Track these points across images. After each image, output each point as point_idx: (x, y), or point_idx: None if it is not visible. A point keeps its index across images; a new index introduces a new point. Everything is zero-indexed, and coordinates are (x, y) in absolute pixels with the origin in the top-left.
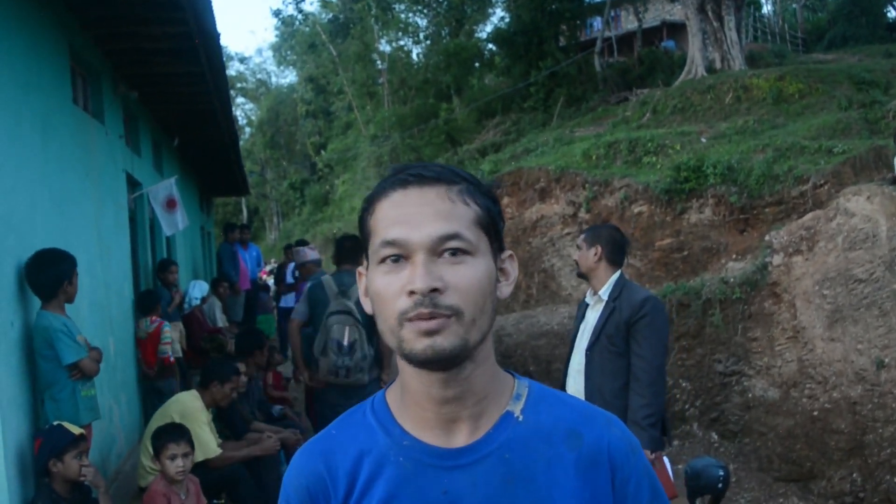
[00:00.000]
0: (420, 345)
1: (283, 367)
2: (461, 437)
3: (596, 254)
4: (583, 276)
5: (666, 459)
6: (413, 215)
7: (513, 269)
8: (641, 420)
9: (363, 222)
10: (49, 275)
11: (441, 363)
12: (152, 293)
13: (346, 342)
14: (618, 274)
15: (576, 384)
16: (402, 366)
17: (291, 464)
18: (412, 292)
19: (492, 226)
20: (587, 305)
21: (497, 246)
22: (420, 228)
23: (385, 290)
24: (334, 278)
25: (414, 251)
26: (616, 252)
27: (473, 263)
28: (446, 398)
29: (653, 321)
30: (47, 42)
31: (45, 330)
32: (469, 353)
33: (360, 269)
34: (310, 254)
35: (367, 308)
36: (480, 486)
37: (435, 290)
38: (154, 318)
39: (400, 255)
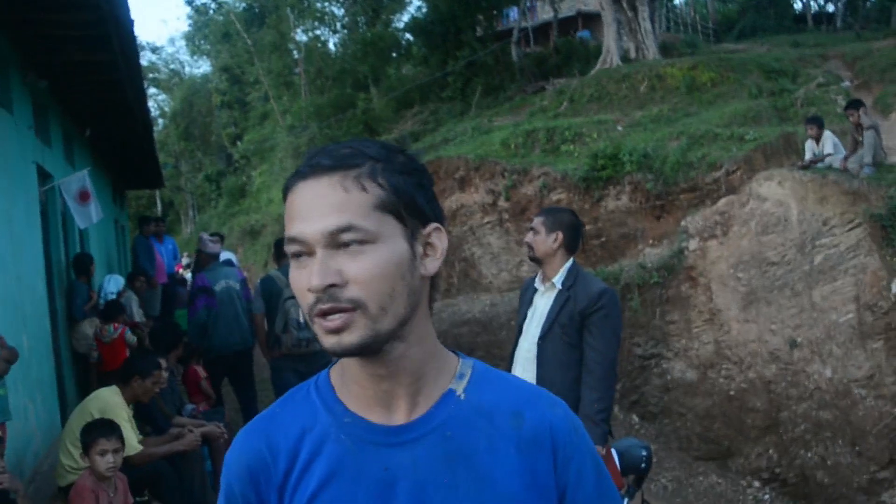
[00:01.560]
0: (328, 342)
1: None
2: (401, 415)
3: (556, 240)
4: (535, 260)
5: (614, 451)
6: (307, 209)
7: (440, 242)
8: (594, 415)
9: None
10: None
11: (352, 357)
12: (116, 303)
13: (302, 319)
14: (571, 261)
15: (525, 371)
16: None
17: (233, 443)
18: (311, 289)
19: (401, 205)
20: (535, 291)
21: (417, 221)
22: (313, 223)
23: (295, 285)
24: (281, 271)
25: (312, 246)
26: (574, 239)
27: (374, 251)
28: (379, 375)
29: (609, 314)
30: None
31: None
32: (385, 341)
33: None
34: (210, 246)
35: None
36: (421, 464)
37: (333, 285)
38: (117, 325)
39: (301, 252)
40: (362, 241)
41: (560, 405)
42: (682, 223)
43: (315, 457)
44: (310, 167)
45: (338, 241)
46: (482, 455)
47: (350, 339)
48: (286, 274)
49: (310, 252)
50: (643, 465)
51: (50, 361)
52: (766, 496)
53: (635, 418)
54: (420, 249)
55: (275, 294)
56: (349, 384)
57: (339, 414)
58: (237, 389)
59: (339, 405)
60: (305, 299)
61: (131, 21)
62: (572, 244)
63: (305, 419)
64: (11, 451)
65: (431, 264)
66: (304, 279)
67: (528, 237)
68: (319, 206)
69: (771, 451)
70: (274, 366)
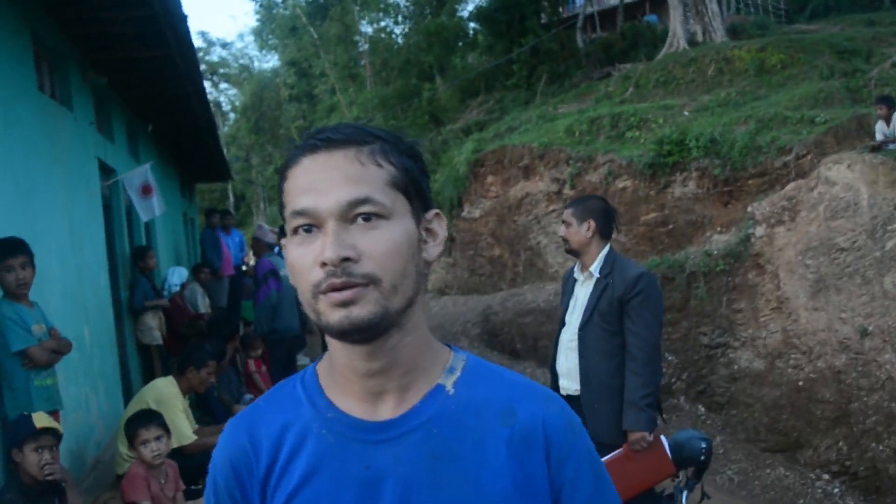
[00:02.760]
0: (335, 316)
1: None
2: (387, 410)
3: (589, 228)
4: (573, 252)
5: (663, 438)
6: (321, 182)
7: (440, 228)
8: (639, 401)
9: (279, 192)
10: None
11: (360, 334)
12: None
13: None
14: (607, 248)
15: (567, 361)
16: (328, 338)
17: (220, 437)
18: (324, 263)
19: (411, 185)
20: (575, 281)
21: (421, 205)
22: (328, 195)
23: (298, 262)
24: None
25: (324, 219)
26: (607, 225)
27: (389, 227)
28: (371, 370)
29: (647, 298)
30: (7, 27)
31: None
32: (393, 321)
33: (284, 240)
34: (269, 235)
35: (291, 280)
36: (404, 462)
37: (347, 259)
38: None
39: (311, 225)
40: (378, 216)
41: (556, 401)
42: (749, 209)
43: (296, 452)
44: (320, 141)
45: (353, 213)
46: (469, 454)
47: (360, 312)
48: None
49: (319, 226)
50: (702, 458)
51: (113, 353)
52: (836, 489)
53: (701, 409)
54: (422, 234)
55: None
56: (336, 377)
57: (322, 408)
58: (287, 373)
59: (323, 399)
60: (311, 275)
61: (184, 17)
62: (606, 230)
63: (289, 413)
64: (73, 441)
65: (433, 249)
66: (312, 253)
67: (562, 230)
68: (334, 178)
69: (841, 444)
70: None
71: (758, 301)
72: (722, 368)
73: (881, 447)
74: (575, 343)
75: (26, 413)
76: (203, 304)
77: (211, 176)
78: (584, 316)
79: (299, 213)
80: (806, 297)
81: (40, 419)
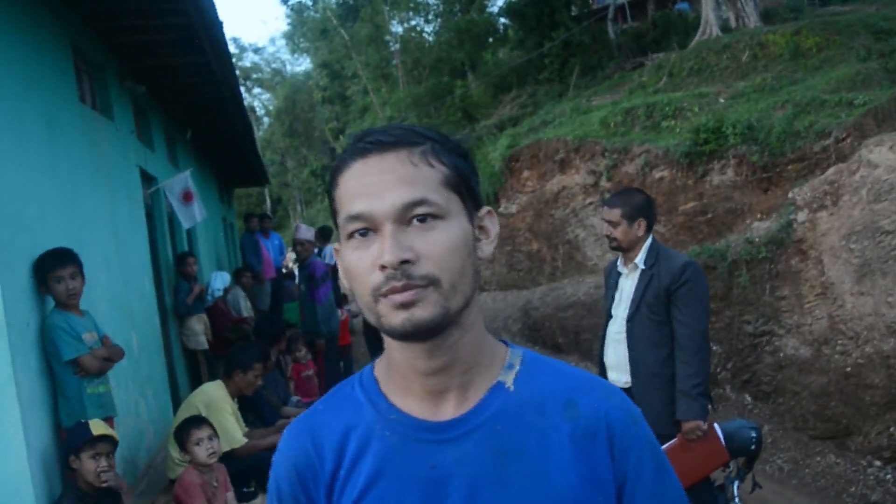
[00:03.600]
0: (398, 318)
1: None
2: (449, 410)
3: (640, 227)
4: (621, 249)
5: (716, 426)
6: (375, 185)
7: (493, 225)
8: (690, 390)
9: (330, 197)
10: (35, 273)
11: (422, 335)
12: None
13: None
14: (651, 239)
15: (616, 354)
16: (386, 339)
17: (280, 442)
18: (383, 267)
19: (463, 184)
20: (619, 274)
21: (472, 204)
22: (384, 198)
23: (356, 266)
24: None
25: (380, 223)
26: (653, 218)
27: (445, 227)
28: (432, 369)
29: (694, 287)
30: (48, 40)
31: (50, 328)
32: (452, 320)
33: (336, 245)
34: (302, 232)
35: (346, 284)
36: (470, 460)
37: (406, 261)
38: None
39: (367, 229)
40: (434, 216)
41: (616, 393)
42: (790, 195)
43: (361, 455)
44: (371, 144)
45: (410, 215)
46: (534, 449)
47: (422, 313)
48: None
49: (375, 229)
50: (752, 447)
51: (160, 358)
52: (889, 476)
53: (748, 398)
54: (476, 232)
55: None
56: (395, 378)
57: (384, 410)
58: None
59: (383, 401)
60: (370, 279)
61: (220, 23)
62: (652, 223)
63: (350, 416)
64: (125, 446)
65: (487, 247)
66: (371, 257)
67: (608, 230)
68: (389, 180)
69: (892, 429)
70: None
71: (802, 287)
72: (767, 356)
73: None
74: (623, 335)
75: (83, 420)
76: (245, 308)
77: (248, 180)
78: (630, 308)
79: (355, 218)
80: (851, 282)
81: (97, 426)
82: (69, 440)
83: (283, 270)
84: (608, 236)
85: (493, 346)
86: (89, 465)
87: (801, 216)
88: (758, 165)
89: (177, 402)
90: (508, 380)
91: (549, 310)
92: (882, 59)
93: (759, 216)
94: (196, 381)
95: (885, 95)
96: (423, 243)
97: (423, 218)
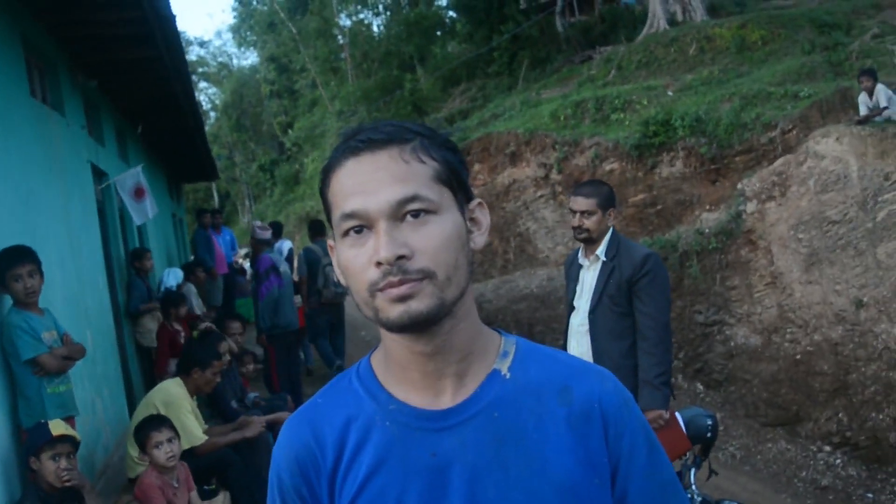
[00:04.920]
0: (395, 311)
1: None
2: (447, 398)
3: (611, 216)
4: (589, 240)
5: (678, 414)
6: (368, 183)
7: (484, 217)
8: (654, 380)
9: (323, 196)
10: None
11: (419, 327)
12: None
13: (337, 280)
14: (611, 231)
15: (579, 345)
16: (383, 332)
17: (280, 436)
18: (379, 263)
19: (453, 178)
20: (580, 266)
21: (463, 197)
22: (377, 195)
23: (352, 263)
24: (318, 245)
25: (375, 220)
26: (617, 209)
27: (439, 221)
28: (427, 353)
29: (655, 277)
30: None
31: (8, 327)
32: (448, 311)
33: (330, 241)
34: (259, 233)
35: (342, 280)
36: (470, 447)
37: (402, 257)
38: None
39: (362, 226)
40: (427, 211)
41: (609, 378)
42: (739, 186)
43: (362, 445)
44: (362, 142)
45: (403, 212)
46: (532, 434)
47: (419, 306)
48: (322, 247)
49: (370, 226)
50: (709, 435)
51: (115, 356)
52: (838, 460)
53: (700, 387)
54: (468, 224)
55: (314, 262)
56: (393, 369)
57: (383, 401)
58: (288, 364)
59: (382, 392)
60: (367, 275)
61: (173, 17)
62: (616, 215)
63: (350, 408)
64: (82, 446)
65: (479, 239)
66: (366, 254)
67: (579, 220)
68: (381, 178)
69: (841, 415)
70: (311, 314)
71: (751, 277)
72: (718, 346)
73: (881, 416)
74: (586, 327)
75: (43, 421)
76: (198, 305)
77: (198, 175)
78: (593, 299)
79: (349, 216)
80: (800, 271)
81: (56, 426)
82: (29, 441)
83: (235, 266)
84: (578, 227)
85: (487, 334)
86: (49, 465)
87: (750, 207)
88: (706, 157)
89: (132, 400)
90: (504, 367)
91: (501, 302)
92: (826, 52)
93: (708, 207)
94: (150, 379)
95: (830, 88)
96: (418, 238)
97: (416, 213)
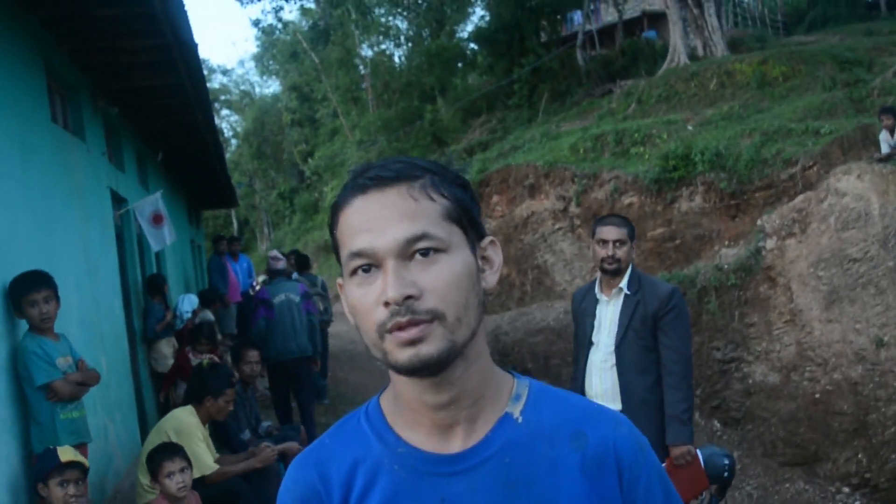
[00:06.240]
0: (404, 355)
1: None
2: (457, 442)
3: (634, 249)
4: (615, 272)
5: (698, 451)
6: (376, 221)
7: (496, 255)
8: (681, 414)
9: (331, 233)
10: (9, 296)
11: (429, 370)
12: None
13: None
14: (632, 264)
15: (602, 382)
16: (392, 373)
17: (286, 475)
18: (387, 303)
19: (464, 216)
20: (596, 301)
21: (475, 234)
22: (385, 234)
23: (360, 303)
24: (306, 278)
25: (383, 258)
26: (636, 242)
27: (448, 261)
28: (440, 403)
29: (680, 312)
30: (22, 60)
31: (22, 352)
32: (459, 353)
33: (339, 280)
34: (271, 263)
35: (350, 320)
36: (480, 493)
37: (410, 297)
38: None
39: (370, 265)
40: (436, 250)
41: (624, 423)
42: (759, 222)
43: (369, 489)
44: (370, 180)
45: (411, 250)
46: (544, 480)
47: (429, 349)
48: (310, 279)
49: (378, 265)
50: (726, 474)
51: (129, 381)
52: (857, 502)
53: (717, 424)
54: (479, 262)
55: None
56: (402, 411)
57: (392, 444)
58: (296, 393)
59: (391, 434)
60: (374, 315)
61: (195, 45)
62: None
63: (357, 449)
64: (93, 472)
65: (491, 277)
66: (374, 293)
67: (612, 250)
68: (389, 216)
69: (860, 456)
70: None
71: (770, 314)
72: (736, 383)
73: None
74: (609, 363)
75: (51, 447)
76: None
77: (217, 202)
78: (618, 334)
79: (357, 255)
80: (819, 309)
81: (65, 453)
82: (37, 467)
83: (251, 293)
84: (610, 257)
85: (499, 376)
86: (57, 492)
87: (770, 243)
88: (726, 192)
89: (144, 426)
90: (516, 411)
91: (518, 335)
92: (847, 88)
93: (727, 243)
94: (164, 405)
95: (851, 125)
96: (426, 278)
97: (425, 252)
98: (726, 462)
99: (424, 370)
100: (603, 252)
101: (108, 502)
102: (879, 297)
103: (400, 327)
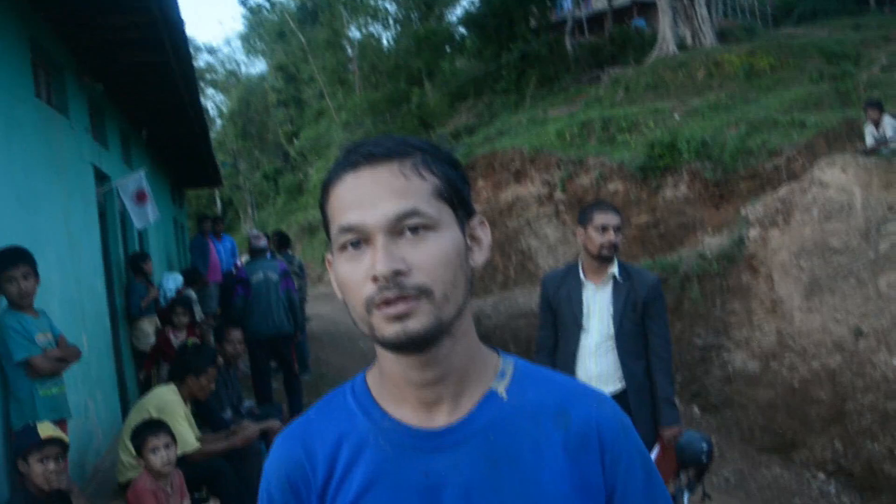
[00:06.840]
0: (391, 330)
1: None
2: (442, 418)
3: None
4: (613, 258)
5: None
6: (367, 197)
7: (485, 234)
8: (672, 397)
9: (322, 210)
10: None
11: (416, 346)
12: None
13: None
14: None
15: (598, 365)
16: (378, 349)
17: (271, 450)
18: (375, 278)
19: (454, 194)
20: (581, 286)
21: (464, 213)
22: (375, 209)
23: (349, 277)
24: (284, 256)
25: (372, 234)
26: None
27: (437, 238)
28: (426, 380)
29: (663, 300)
30: (6, 36)
31: (1, 328)
32: (445, 330)
33: (328, 256)
34: (253, 241)
35: (338, 295)
36: (464, 468)
37: (398, 272)
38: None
39: (359, 240)
40: (426, 227)
41: (607, 402)
42: (743, 211)
43: (354, 463)
44: (362, 156)
45: (401, 227)
46: (527, 457)
47: (415, 325)
48: (289, 260)
49: (367, 241)
50: (704, 459)
51: (110, 359)
52: (832, 489)
53: (696, 410)
54: (468, 241)
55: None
56: (388, 387)
57: (377, 419)
58: (279, 369)
59: (377, 409)
60: (362, 290)
61: (182, 22)
62: None
63: (343, 424)
64: (73, 449)
65: (479, 256)
66: (363, 269)
67: (613, 236)
68: (380, 192)
69: (836, 443)
70: None
71: (752, 302)
72: (716, 370)
73: (876, 446)
74: (606, 347)
75: (31, 423)
76: (197, 312)
77: (202, 181)
78: (616, 320)
79: (347, 230)
80: (800, 299)
81: (45, 429)
82: (16, 443)
83: (233, 273)
84: (610, 242)
85: (485, 354)
86: (37, 468)
87: (753, 233)
88: (710, 181)
89: (125, 404)
90: (501, 388)
91: (500, 318)
92: (833, 81)
93: (710, 231)
94: (145, 383)
95: (836, 118)
96: (415, 254)
97: (414, 229)
98: (705, 447)
99: (411, 346)
100: (603, 238)
101: (89, 480)
102: (859, 287)
103: (387, 302)
